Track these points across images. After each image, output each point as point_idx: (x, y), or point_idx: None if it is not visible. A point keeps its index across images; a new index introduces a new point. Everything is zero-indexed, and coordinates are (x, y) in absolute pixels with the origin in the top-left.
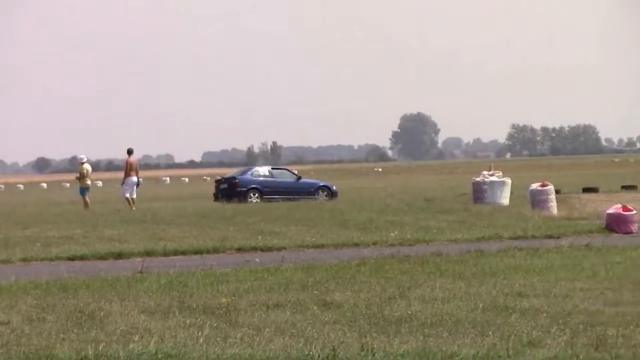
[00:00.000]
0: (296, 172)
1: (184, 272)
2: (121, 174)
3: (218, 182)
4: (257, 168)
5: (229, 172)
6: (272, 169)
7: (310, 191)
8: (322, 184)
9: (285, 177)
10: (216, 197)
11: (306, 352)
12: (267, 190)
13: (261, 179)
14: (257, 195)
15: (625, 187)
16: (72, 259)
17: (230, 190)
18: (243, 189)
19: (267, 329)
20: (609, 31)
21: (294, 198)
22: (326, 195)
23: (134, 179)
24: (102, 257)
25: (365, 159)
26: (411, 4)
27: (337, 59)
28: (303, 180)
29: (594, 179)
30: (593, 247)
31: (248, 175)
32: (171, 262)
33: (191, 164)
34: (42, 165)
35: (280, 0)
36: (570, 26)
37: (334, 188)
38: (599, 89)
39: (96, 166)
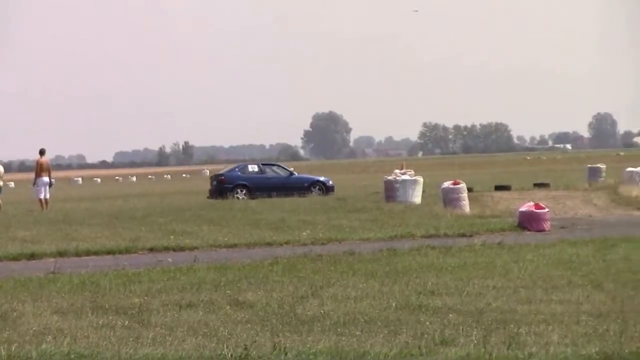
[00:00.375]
0: (291, 168)
1: (97, 272)
2: (33, 175)
3: (212, 179)
4: (247, 164)
5: (146, 171)
6: (263, 165)
7: (303, 186)
8: (316, 179)
9: (276, 173)
10: (210, 194)
11: (219, 352)
12: (256, 187)
13: (250, 175)
14: (244, 192)
15: (538, 185)
16: None
17: (218, 187)
18: (229, 185)
19: (179, 329)
20: (522, 29)
21: (287, 194)
22: (319, 190)
23: (46, 179)
24: (15, 258)
25: (277, 158)
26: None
27: (249, 58)
28: (296, 176)
29: (506, 177)
30: (505, 245)
31: (236, 172)
32: (84, 263)
33: (103, 164)
34: None
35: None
36: (483, 24)
37: (330, 183)
38: (512, 87)
39: (8, 167)
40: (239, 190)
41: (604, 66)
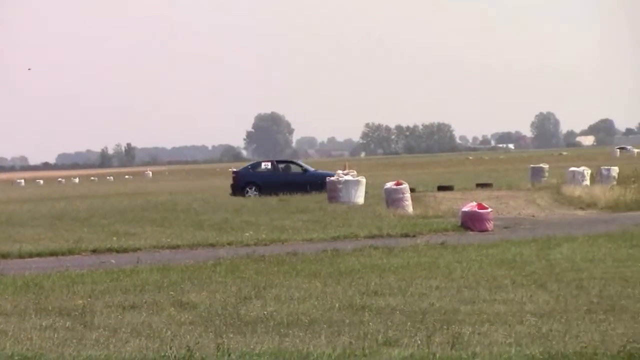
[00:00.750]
0: (304, 165)
1: (40, 274)
2: None
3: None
4: (261, 162)
5: (88, 173)
6: (277, 162)
7: (317, 183)
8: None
9: (290, 170)
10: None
11: (162, 354)
12: (267, 185)
13: (261, 173)
14: (254, 189)
15: (480, 185)
16: None
17: (232, 185)
18: (241, 183)
19: (123, 331)
20: (464, 26)
21: (301, 191)
22: None
23: None
24: None
25: (220, 159)
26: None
27: (190, 59)
28: (311, 172)
29: (448, 177)
30: (449, 245)
31: (248, 170)
32: (27, 264)
33: (46, 166)
34: None
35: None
36: (423, 20)
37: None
38: (454, 87)
39: None
40: (248, 189)
41: (546, 64)
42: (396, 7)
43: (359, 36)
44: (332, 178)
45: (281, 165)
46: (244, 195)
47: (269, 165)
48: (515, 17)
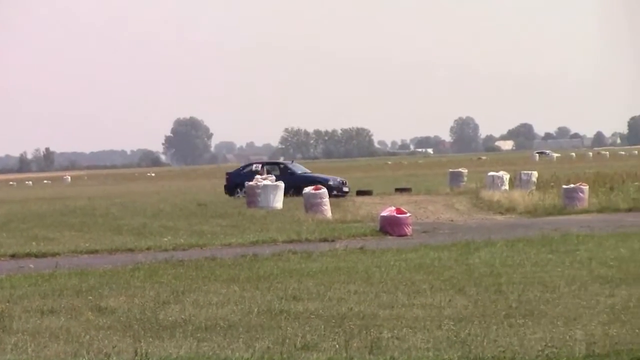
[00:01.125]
0: (293, 167)
1: None
2: None
3: None
4: (253, 163)
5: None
6: (267, 164)
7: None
8: (321, 179)
9: (281, 172)
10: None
11: (80, 358)
12: None
13: (250, 175)
14: (244, 190)
15: (399, 190)
16: None
17: (225, 186)
18: (231, 184)
19: (41, 335)
20: (384, 31)
21: (292, 194)
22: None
23: None
24: None
25: (138, 164)
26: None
27: (110, 63)
28: (301, 175)
29: (367, 181)
30: (367, 250)
31: (238, 171)
32: None
33: None
34: None
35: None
36: (342, 24)
37: (337, 183)
38: (374, 92)
39: None
40: (238, 190)
41: (466, 69)
42: (315, 11)
43: (277, 40)
44: (250, 183)
45: (267, 167)
46: (233, 196)
47: (258, 167)
48: (435, 19)
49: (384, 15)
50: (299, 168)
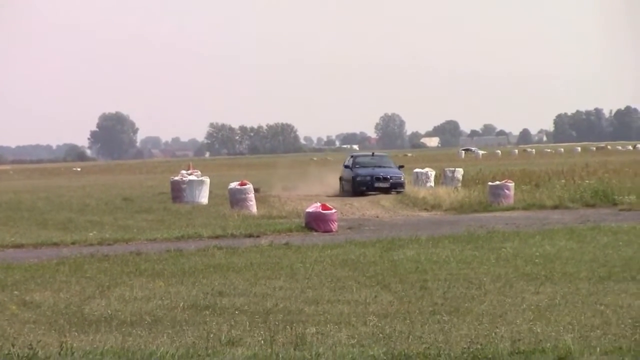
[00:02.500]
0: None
1: None
2: None
3: None
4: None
5: None
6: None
7: None
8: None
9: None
10: None
11: (5, 352)
12: None
13: None
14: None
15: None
16: None
17: None
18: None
19: None
20: (311, 27)
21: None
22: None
23: None
24: None
25: (64, 158)
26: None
27: (35, 56)
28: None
29: (292, 177)
30: (292, 245)
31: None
32: None
33: None
34: None
35: None
36: (267, 21)
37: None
38: (299, 87)
39: None
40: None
41: (391, 64)
42: (238, 5)
43: (201, 35)
44: (175, 178)
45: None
46: None
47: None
48: (361, 14)
49: (307, 10)
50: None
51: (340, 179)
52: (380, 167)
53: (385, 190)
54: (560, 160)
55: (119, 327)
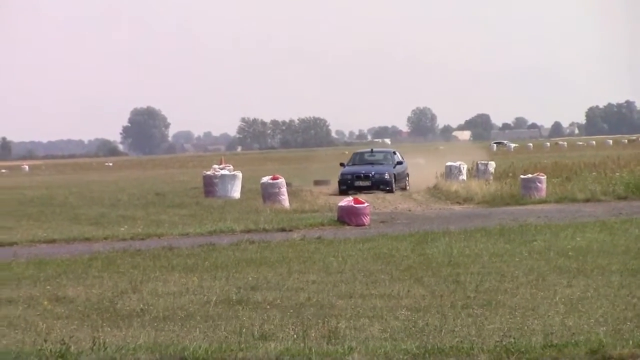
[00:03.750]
0: None
1: None
2: None
3: None
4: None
5: None
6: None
7: None
8: None
9: None
10: None
11: (38, 347)
12: None
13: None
14: None
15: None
16: None
17: None
18: None
19: None
20: (342, 21)
21: None
22: None
23: None
24: None
25: (96, 153)
26: None
27: (66, 51)
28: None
29: (325, 171)
30: (325, 239)
31: None
32: None
33: None
34: None
35: None
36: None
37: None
38: (332, 81)
39: None
40: None
41: (423, 60)
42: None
43: (234, 30)
44: (207, 172)
45: None
46: None
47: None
48: (391, 9)
49: (340, 3)
50: None
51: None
52: (373, 164)
53: (368, 189)
54: (592, 153)
55: (151, 322)
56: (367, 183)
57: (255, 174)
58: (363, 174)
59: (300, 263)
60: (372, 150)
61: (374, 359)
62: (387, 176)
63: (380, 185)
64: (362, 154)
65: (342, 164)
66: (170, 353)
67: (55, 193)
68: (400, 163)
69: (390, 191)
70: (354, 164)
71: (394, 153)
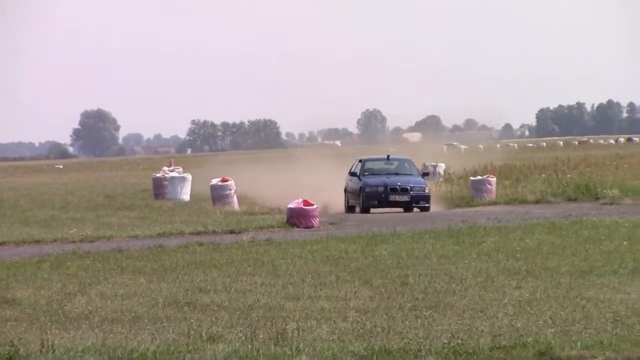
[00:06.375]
0: None
1: None
2: None
3: None
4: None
5: None
6: None
7: None
8: None
9: None
10: None
11: None
12: None
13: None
14: None
15: None
16: None
17: None
18: None
19: None
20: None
21: None
22: None
23: None
24: None
25: (47, 156)
26: None
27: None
28: None
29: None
30: (274, 241)
31: None
32: None
33: None
34: None
35: None
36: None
37: None
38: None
39: None
40: None
41: (373, 59)
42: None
43: (181, 31)
44: (157, 175)
45: None
46: None
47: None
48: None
49: (289, 6)
50: None
51: (345, 190)
52: (397, 174)
53: (405, 206)
54: (542, 155)
55: (99, 324)
56: (406, 198)
57: (205, 176)
58: (400, 186)
59: (249, 265)
60: (388, 157)
61: None
62: (427, 190)
63: (420, 201)
64: (374, 161)
65: (353, 174)
66: (118, 355)
67: (5, 195)
68: (426, 174)
69: (427, 209)
70: (371, 174)
71: (412, 162)
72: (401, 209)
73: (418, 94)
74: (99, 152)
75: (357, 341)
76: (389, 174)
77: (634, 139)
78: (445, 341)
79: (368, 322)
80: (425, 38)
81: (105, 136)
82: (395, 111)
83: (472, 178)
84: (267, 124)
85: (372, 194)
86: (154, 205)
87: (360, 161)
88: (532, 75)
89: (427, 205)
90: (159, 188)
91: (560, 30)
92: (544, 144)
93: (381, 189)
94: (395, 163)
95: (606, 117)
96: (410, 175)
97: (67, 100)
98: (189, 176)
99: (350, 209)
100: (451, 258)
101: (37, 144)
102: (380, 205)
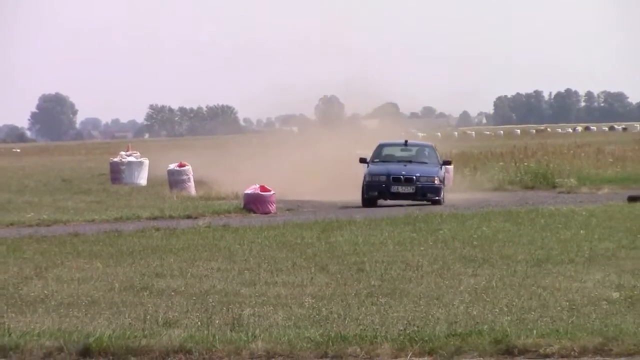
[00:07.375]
0: None
1: None
2: None
3: None
4: None
5: None
6: None
7: None
8: None
9: None
10: None
11: None
12: None
13: None
14: None
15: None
16: None
17: None
18: None
19: None
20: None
21: None
22: None
23: None
24: None
25: (4, 140)
26: None
27: None
28: None
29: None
30: (230, 227)
31: None
32: None
33: None
34: None
35: None
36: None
37: None
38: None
39: None
40: None
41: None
42: None
43: (139, 16)
44: (114, 159)
45: None
46: None
47: None
48: None
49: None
50: None
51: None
52: (411, 162)
53: (410, 198)
54: (499, 143)
55: (56, 309)
56: (410, 189)
57: (162, 161)
58: (404, 175)
59: (205, 250)
60: (406, 142)
61: (278, 346)
62: (436, 181)
63: (427, 193)
64: (391, 146)
65: (363, 160)
66: (74, 339)
67: None
68: (448, 163)
69: (438, 202)
70: (382, 161)
71: (434, 148)
72: (408, 202)
73: (375, 80)
74: (56, 137)
75: (313, 327)
76: (401, 161)
77: (592, 127)
78: (401, 328)
79: (324, 309)
80: (379, 20)
81: (63, 120)
82: (351, 98)
83: None
84: (224, 109)
85: (372, 183)
86: (111, 189)
87: (379, 146)
88: (490, 62)
89: (436, 198)
90: (116, 173)
91: (518, 17)
92: (502, 132)
93: (383, 178)
94: (414, 149)
95: (564, 105)
96: (425, 163)
97: (25, 84)
98: (146, 161)
99: (369, 200)
100: (407, 245)
101: None
102: (382, 196)
